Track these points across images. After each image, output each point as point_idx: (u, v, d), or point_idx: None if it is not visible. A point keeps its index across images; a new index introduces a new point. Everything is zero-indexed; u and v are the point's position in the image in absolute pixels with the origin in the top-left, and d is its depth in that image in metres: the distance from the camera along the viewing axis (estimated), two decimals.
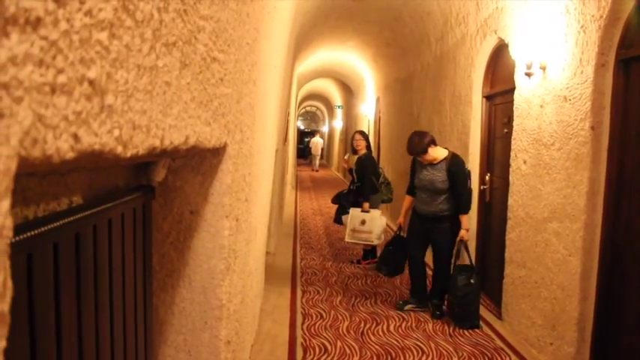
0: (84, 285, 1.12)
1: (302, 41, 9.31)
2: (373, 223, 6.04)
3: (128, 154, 0.85)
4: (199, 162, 1.75)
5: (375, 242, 5.60)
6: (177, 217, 1.77)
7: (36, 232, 0.90)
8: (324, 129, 31.73)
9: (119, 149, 0.80)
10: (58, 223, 0.99)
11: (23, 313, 0.86)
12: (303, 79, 16.85)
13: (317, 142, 25.46)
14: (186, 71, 1.17)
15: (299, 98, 20.69)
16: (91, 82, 0.68)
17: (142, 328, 1.57)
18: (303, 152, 29.83)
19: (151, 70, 0.93)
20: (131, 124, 0.85)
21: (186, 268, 1.79)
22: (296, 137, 20.77)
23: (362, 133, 6.81)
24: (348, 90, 17.85)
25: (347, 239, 6.28)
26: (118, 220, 1.35)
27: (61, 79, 0.60)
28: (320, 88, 22.97)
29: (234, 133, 1.88)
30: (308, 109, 35.45)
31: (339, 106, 21.88)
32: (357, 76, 14.36)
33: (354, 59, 12.45)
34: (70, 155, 0.64)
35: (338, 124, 22.74)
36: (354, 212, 6.18)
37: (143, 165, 1.65)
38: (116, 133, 0.78)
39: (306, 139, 26.40)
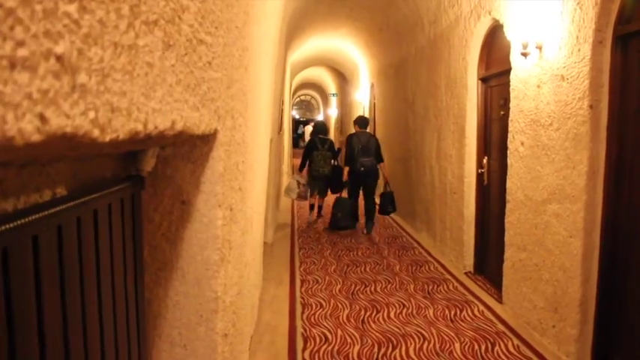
0: (68, 279, 1.06)
1: (294, 29, 9.21)
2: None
3: (107, 139, 0.79)
4: (190, 150, 1.68)
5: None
6: (168, 207, 1.71)
7: (12, 224, 0.84)
8: (319, 117, 31.64)
9: (96, 133, 0.75)
10: (37, 216, 0.93)
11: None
12: (297, 68, 16.74)
13: (308, 131, 25.71)
14: (170, 52, 1.11)
15: (293, 87, 20.58)
16: (59, 58, 0.62)
17: (135, 322, 1.52)
18: (299, 141, 29.84)
19: (129, 48, 0.86)
20: (109, 106, 0.79)
21: (179, 260, 1.74)
22: (291, 126, 20.68)
23: (312, 126, 9.78)
24: (342, 77, 17.75)
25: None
26: (105, 211, 1.29)
27: (22, 52, 0.54)
28: (314, 77, 22.84)
29: (225, 119, 1.82)
30: (302, 97, 35.31)
31: (333, 94, 21.76)
32: (350, 63, 14.26)
33: (348, 46, 12.34)
34: (37, 138, 0.58)
35: (333, 112, 22.65)
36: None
37: (131, 154, 1.59)
38: (91, 115, 0.72)
39: (301, 129, 26.84)
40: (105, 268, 1.28)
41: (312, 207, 9.09)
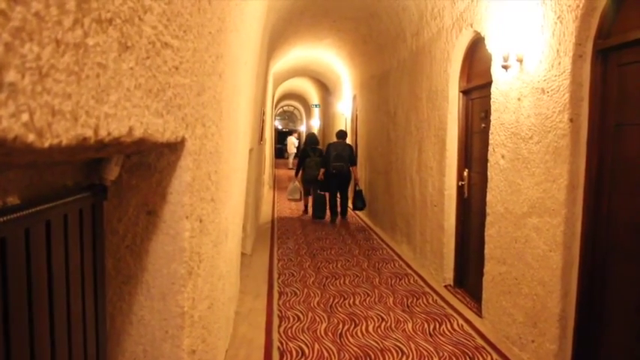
0: (13, 296, 0.99)
1: (277, 39, 9.17)
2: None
3: (46, 145, 0.72)
4: (156, 158, 1.61)
5: (289, 196, 10.86)
6: (133, 218, 1.63)
7: None
8: (302, 128, 31.63)
9: (31, 137, 0.68)
10: None
11: None
12: (280, 78, 16.71)
13: (290, 142, 25.59)
14: (128, 54, 1.04)
15: (276, 98, 20.53)
16: None
17: (93, 340, 1.43)
18: (282, 152, 29.76)
19: (76, 47, 0.80)
20: (48, 109, 0.72)
21: (144, 274, 1.66)
22: (274, 137, 20.60)
23: (296, 137, 12.94)
24: (325, 88, 17.75)
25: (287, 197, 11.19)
26: (59, 222, 1.21)
27: None
28: (297, 87, 22.84)
29: (195, 127, 1.75)
30: (285, 108, 35.31)
31: (316, 105, 21.75)
32: (333, 74, 14.26)
33: (331, 57, 12.33)
34: None
35: (315, 123, 22.63)
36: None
37: (95, 163, 1.52)
38: (24, 117, 0.65)
39: (285, 140, 26.91)
40: (59, 282, 1.21)
41: (306, 208, 10.74)
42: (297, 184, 10.56)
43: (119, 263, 1.65)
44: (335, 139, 10.09)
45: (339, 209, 10.16)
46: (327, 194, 10.07)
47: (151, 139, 1.24)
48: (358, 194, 9.67)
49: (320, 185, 10.01)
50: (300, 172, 10.37)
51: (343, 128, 13.37)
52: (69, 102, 0.78)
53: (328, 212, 10.14)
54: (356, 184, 9.85)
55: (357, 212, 10.91)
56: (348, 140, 12.70)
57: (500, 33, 4.05)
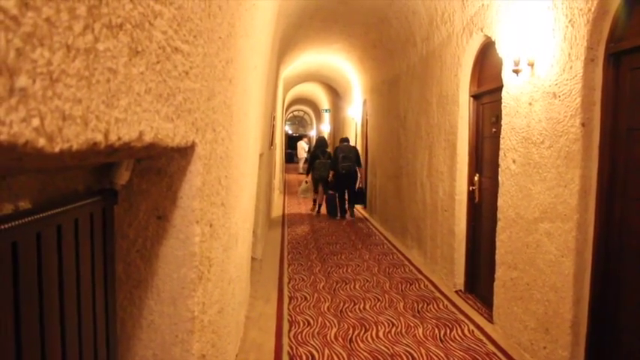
0: (24, 299, 0.99)
1: (287, 44, 9.20)
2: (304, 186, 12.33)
3: (56, 149, 0.73)
4: (166, 163, 1.62)
5: (301, 194, 12.51)
6: (143, 222, 1.64)
7: None
8: (312, 133, 31.65)
9: (41, 142, 0.68)
10: None
11: None
12: (291, 83, 16.74)
13: (301, 146, 25.60)
14: (138, 59, 1.05)
15: (286, 102, 20.56)
16: None
17: (104, 344, 1.44)
18: (292, 157, 29.81)
19: (87, 52, 0.80)
20: (59, 114, 0.72)
21: (154, 278, 1.66)
22: (284, 142, 20.65)
23: (306, 141, 14.90)
24: (335, 93, 17.75)
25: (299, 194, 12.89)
26: (70, 226, 1.22)
27: None
28: (307, 92, 22.86)
29: (205, 132, 1.76)
30: (296, 113, 35.34)
31: (326, 110, 21.76)
32: (343, 79, 14.26)
33: (341, 62, 12.34)
34: None
35: (326, 127, 22.64)
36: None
37: (106, 167, 1.53)
38: (35, 122, 0.66)
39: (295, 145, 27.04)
40: (70, 286, 1.21)
41: (314, 202, 11.93)
42: (308, 183, 11.97)
43: (129, 267, 1.66)
44: (340, 143, 11.29)
45: (347, 206, 11.16)
46: (336, 194, 11.08)
47: (162, 143, 1.25)
48: (360, 191, 11.43)
49: (330, 185, 11.09)
50: (311, 172, 11.62)
51: (353, 133, 13.80)
52: (79, 107, 0.79)
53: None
54: (359, 183, 11.32)
55: (367, 217, 11.18)
56: (358, 145, 12.86)
57: (511, 37, 4.04)
